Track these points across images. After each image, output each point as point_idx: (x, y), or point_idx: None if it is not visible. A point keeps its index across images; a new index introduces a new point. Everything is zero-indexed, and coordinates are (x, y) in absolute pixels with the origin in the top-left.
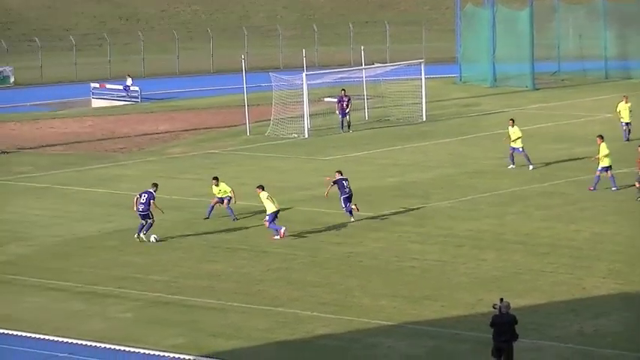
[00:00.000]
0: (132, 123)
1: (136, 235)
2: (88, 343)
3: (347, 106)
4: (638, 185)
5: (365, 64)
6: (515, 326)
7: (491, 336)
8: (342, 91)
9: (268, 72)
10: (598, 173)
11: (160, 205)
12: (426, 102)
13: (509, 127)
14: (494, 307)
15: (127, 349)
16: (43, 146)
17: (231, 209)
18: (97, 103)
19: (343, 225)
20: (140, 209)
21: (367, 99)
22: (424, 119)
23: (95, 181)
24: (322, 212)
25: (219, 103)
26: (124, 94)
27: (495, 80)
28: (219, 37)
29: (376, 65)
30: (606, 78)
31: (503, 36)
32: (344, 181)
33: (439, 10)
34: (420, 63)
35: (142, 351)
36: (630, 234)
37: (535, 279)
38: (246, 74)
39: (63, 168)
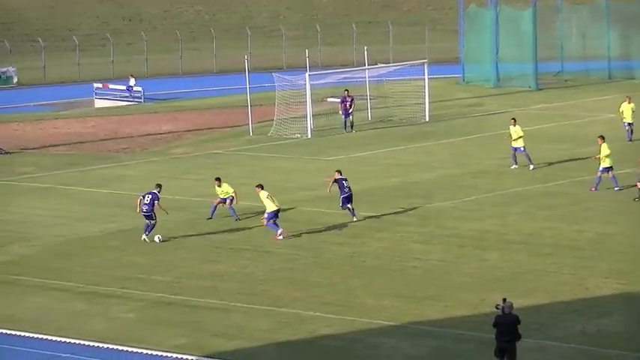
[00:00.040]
0: (135, 123)
1: (143, 237)
2: (91, 344)
3: (350, 106)
4: (639, 186)
5: (368, 65)
6: (518, 326)
7: (494, 336)
8: (346, 92)
9: (271, 72)
10: (599, 174)
11: (164, 206)
12: (429, 102)
13: (511, 127)
14: (497, 308)
15: (130, 349)
16: (46, 146)
17: (234, 209)
18: (100, 103)
19: (346, 225)
20: (144, 210)
21: (370, 99)
22: (427, 119)
23: (98, 181)
24: (325, 212)
25: (222, 104)
26: (127, 94)
27: (498, 80)
28: (223, 37)
29: (379, 65)
30: (609, 78)
31: (506, 36)
32: (343, 181)
33: (442, 11)
34: (423, 63)
35: (144, 351)
36: (633, 234)
37: (538, 279)
38: (249, 74)
39: (66, 168)
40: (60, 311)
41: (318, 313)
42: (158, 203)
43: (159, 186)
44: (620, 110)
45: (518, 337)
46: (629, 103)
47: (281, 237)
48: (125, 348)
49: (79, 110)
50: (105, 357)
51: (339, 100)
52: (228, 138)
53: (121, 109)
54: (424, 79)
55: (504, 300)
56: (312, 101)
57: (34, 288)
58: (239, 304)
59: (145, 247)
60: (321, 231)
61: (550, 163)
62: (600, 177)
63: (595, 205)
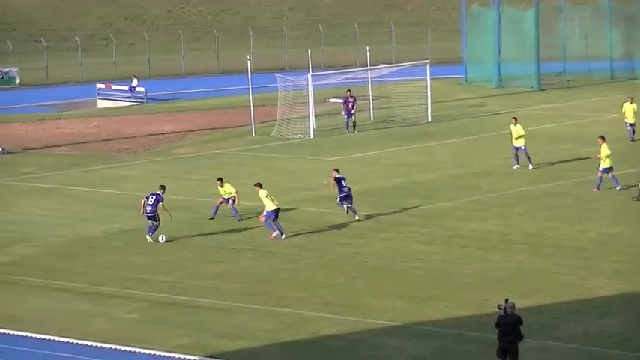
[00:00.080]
0: (137, 123)
1: (149, 239)
2: (93, 344)
3: (353, 106)
4: None
5: (370, 65)
6: (521, 326)
7: (496, 336)
8: (348, 92)
9: (274, 72)
10: (600, 174)
11: (168, 207)
12: (431, 102)
13: (512, 126)
14: (499, 308)
15: (133, 349)
16: (48, 147)
17: (236, 210)
18: (102, 103)
19: (349, 225)
20: (148, 211)
21: (373, 99)
22: (429, 120)
23: (100, 181)
24: (328, 213)
25: (224, 104)
26: (130, 94)
27: (501, 81)
28: (225, 37)
29: (382, 66)
30: (612, 78)
31: (508, 36)
32: (342, 180)
33: (445, 11)
34: (426, 63)
35: (147, 351)
36: (635, 234)
37: (540, 279)
38: (252, 75)
39: (68, 168)
40: (62, 311)
41: (321, 314)
42: (162, 205)
43: (162, 187)
44: (623, 110)
45: (520, 337)
46: (631, 103)
47: (274, 238)
48: (128, 348)
49: (82, 110)
50: (108, 357)
51: (341, 100)
52: (231, 138)
53: (123, 109)
54: (426, 80)
55: (506, 300)
56: (315, 102)
57: (36, 288)
58: (242, 305)
59: (147, 247)
60: (323, 231)
61: (552, 164)
62: (601, 177)
63: (597, 205)
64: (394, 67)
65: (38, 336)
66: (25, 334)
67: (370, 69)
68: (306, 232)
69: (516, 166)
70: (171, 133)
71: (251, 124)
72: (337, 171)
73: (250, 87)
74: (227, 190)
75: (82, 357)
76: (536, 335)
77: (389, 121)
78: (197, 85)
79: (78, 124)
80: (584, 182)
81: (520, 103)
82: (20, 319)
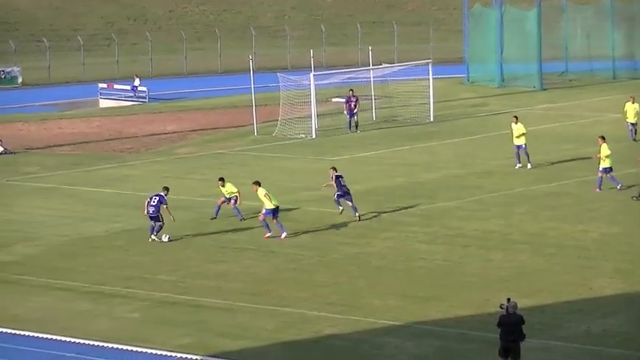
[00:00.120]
0: (139, 123)
1: (150, 239)
2: (95, 343)
3: (355, 106)
4: None
5: (373, 65)
6: (523, 326)
7: (498, 336)
8: (350, 91)
9: (276, 72)
10: (600, 174)
11: (171, 207)
12: (433, 102)
13: (512, 124)
14: (501, 307)
15: (134, 349)
16: (50, 146)
17: (238, 209)
18: (104, 103)
19: (351, 225)
20: (150, 211)
21: (375, 99)
22: (432, 119)
23: (102, 181)
24: (330, 212)
25: (226, 104)
26: (132, 94)
27: (503, 80)
28: (227, 37)
29: (384, 65)
30: (614, 78)
31: (510, 36)
32: (340, 178)
33: (447, 11)
34: (428, 63)
35: (149, 351)
36: (638, 234)
37: (542, 279)
38: (254, 74)
39: (70, 168)
40: (64, 311)
41: (322, 313)
42: (166, 207)
43: (166, 189)
44: (624, 110)
45: (522, 336)
46: (633, 103)
47: (267, 237)
48: (130, 347)
49: (84, 110)
50: (109, 356)
51: (343, 100)
52: (233, 138)
53: (125, 109)
54: (429, 79)
55: (508, 300)
56: (317, 101)
57: (38, 288)
58: (244, 304)
59: (149, 246)
60: (325, 231)
61: (554, 163)
62: (601, 177)
63: (599, 205)
64: (396, 67)
65: (40, 335)
66: (26, 333)
67: (372, 69)
68: (309, 232)
69: (518, 165)
70: (174, 132)
71: (253, 123)
72: (335, 169)
73: (252, 87)
74: (229, 189)
75: (83, 356)
76: (538, 335)
77: (391, 121)
78: (199, 85)
79: (80, 123)
80: (586, 182)
81: (522, 103)
82: (22, 318)
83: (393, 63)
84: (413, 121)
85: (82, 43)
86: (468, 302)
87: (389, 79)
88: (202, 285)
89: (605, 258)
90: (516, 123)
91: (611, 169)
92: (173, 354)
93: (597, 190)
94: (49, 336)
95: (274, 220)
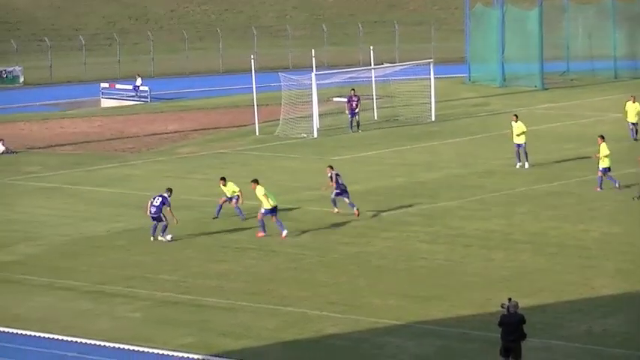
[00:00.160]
0: (141, 123)
1: (152, 238)
2: (97, 343)
3: (356, 105)
4: None
5: (374, 64)
6: (524, 326)
7: (499, 335)
8: (352, 91)
9: (277, 72)
10: (600, 174)
11: (173, 207)
12: (435, 102)
13: (513, 123)
14: (502, 307)
15: (136, 348)
16: (52, 146)
17: (240, 209)
18: (106, 103)
19: (352, 225)
20: (152, 212)
21: (376, 99)
22: (433, 119)
23: (104, 180)
24: (331, 212)
25: (228, 103)
26: (134, 94)
27: (504, 80)
28: (229, 37)
29: (385, 65)
30: (615, 78)
31: (512, 36)
32: (337, 176)
33: (448, 10)
34: (429, 63)
35: (150, 350)
36: (638, 234)
37: (543, 278)
38: (256, 74)
39: (72, 168)
40: (66, 310)
41: (324, 313)
42: (169, 209)
43: (169, 190)
44: (625, 110)
45: (523, 336)
46: (634, 102)
47: (260, 237)
48: (131, 347)
49: (86, 110)
50: (111, 356)
51: (345, 99)
52: (235, 137)
53: (127, 108)
54: (430, 79)
55: (510, 299)
56: (318, 101)
57: (40, 287)
58: (245, 304)
59: (150, 246)
60: (326, 230)
61: (556, 163)
62: (601, 177)
63: (600, 204)
64: (398, 67)
65: (41, 335)
66: (28, 333)
67: (374, 68)
68: (310, 231)
69: (518, 164)
70: (175, 132)
71: (255, 123)
72: (331, 167)
73: (254, 86)
74: (231, 188)
75: (85, 356)
76: (539, 334)
77: (392, 121)
78: (201, 85)
79: (81, 123)
80: (587, 181)
81: (523, 103)
82: (23, 318)
83: (395, 63)
84: (414, 121)
85: (83, 42)
86: (469, 302)
87: (390, 78)
88: (204, 284)
89: (607, 258)
90: (516, 121)
91: (609, 169)
92: (175, 353)
93: (598, 189)
94: (51, 335)
95: (273, 219)
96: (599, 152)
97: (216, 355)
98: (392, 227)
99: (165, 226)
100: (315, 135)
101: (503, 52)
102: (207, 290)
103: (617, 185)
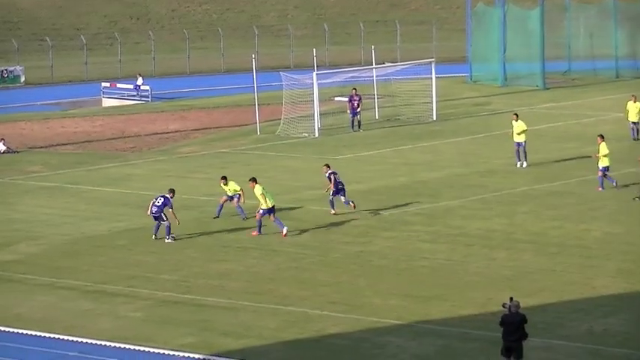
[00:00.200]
0: (142, 122)
1: (153, 237)
2: (98, 342)
3: (358, 105)
4: None
5: (375, 64)
6: (525, 325)
7: (500, 335)
8: (354, 90)
9: (279, 71)
10: (600, 173)
11: (175, 210)
12: (436, 101)
13: (513, 121)
14: (503, 307)
15: (137, 348)
16: (53, 145)
17: (242, 208)
18: (107, 102)
19: (353, 224)
20: (153, 211)
21: (378, 98)
22: (434, 118)
23: (105, 180)
24: (328, 213)
25: (229, 103)
26: (135, 93)
27: (506, 79)
28: (230, 36)
29: (387, 64)
30: (617, 77)
31: (513, 35)
32: (335, 175)
33: (450, 10)
34: (431, 62)
35: (152, 350)
36: (639, 234)
37: (545, 278)
38: (257, 73)
39: (73, 167)
40: (67, 310)
41: (324, 312)
42: (171, 210)
43: (172, 191)
44: (626, 109)
45: (524, 336)
46: (635, 102)
47: (254, 235)
48: (132, 347)
49: (87, 109)
50: (112, 355)
51: (346, 99)
52: (236, 137)
53: (128, 108)
54: (431, 78)
55: (511, 299)
56: (320, 100)
57: (41, 287)
58: (246, 303)
59: (152, 245)
60: (328, 230)
61: (557, 162)
62: (602, 176)
63: (602, 204)
64: (399, 66)
65: (43, 334)
66: (29, 332)
67: (375, 68)
68: (311, 231)
69: (518, 163)
70: (176, 131)
71: (256, 122)
72: (328, 166)
73: (255, 86)
74: (232, 187)
75: (86, 355)
76: (540, 334)
77: (394, 120)
78: (202, 84)
79: (83, 122)
80: (589, 181)
81: (525, 102)
82: (25, 317)
83: (396, 62)
84: (416, 120)
85: (84, 42)
86: (471, 301)
87: (392, 78)
88: (205, 284)
89: (608, 257)
90: (517, 120)
91: (608, 168)
92: (176, 353)
93: (599, 189)
94: (52, 335)
95: (271, 218)
96: (598, 152)
97: (217, 355)
98: (393, 227)
99: (169, 228)
100: (317, 134)
101: (504, 52)
102: (209, 290)
103: (614, 184)
